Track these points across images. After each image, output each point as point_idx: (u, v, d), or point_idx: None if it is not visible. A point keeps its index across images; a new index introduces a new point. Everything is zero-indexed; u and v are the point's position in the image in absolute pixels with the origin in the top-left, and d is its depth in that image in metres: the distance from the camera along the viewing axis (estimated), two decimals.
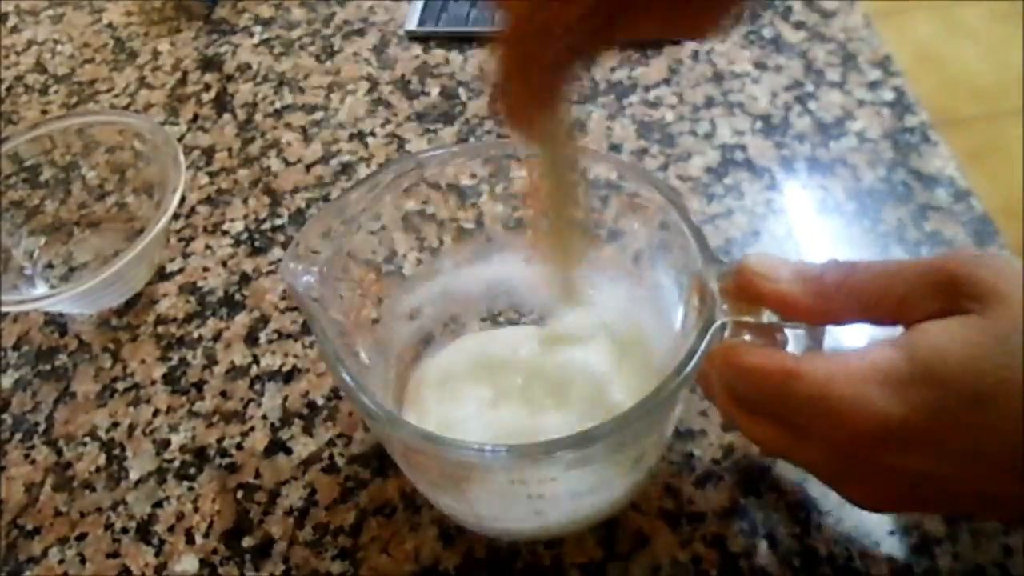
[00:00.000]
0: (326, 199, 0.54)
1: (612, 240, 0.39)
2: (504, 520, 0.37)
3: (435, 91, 0.60)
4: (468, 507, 0.35)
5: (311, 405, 0.44)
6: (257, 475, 0.42)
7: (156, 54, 0.66)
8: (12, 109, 0.63)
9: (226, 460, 0.43)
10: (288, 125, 0.59)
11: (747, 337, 0.33)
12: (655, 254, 0.37)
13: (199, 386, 0.46)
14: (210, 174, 0.57)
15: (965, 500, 0.30)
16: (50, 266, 0.52)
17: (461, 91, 0.60)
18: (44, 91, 0.64)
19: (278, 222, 0.53)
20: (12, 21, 0.71)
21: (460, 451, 0.29)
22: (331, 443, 0.43)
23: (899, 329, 0.30)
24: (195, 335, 0.48)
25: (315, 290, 0.32)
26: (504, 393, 0.39)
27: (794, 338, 0.33)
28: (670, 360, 0.32)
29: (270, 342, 0.47)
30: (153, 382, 0.46)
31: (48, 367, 0.48)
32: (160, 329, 0.49)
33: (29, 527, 0.42)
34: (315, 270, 0.33)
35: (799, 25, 0.61)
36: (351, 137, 0.58)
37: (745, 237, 0.49)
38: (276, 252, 0.51)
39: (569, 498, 0.35)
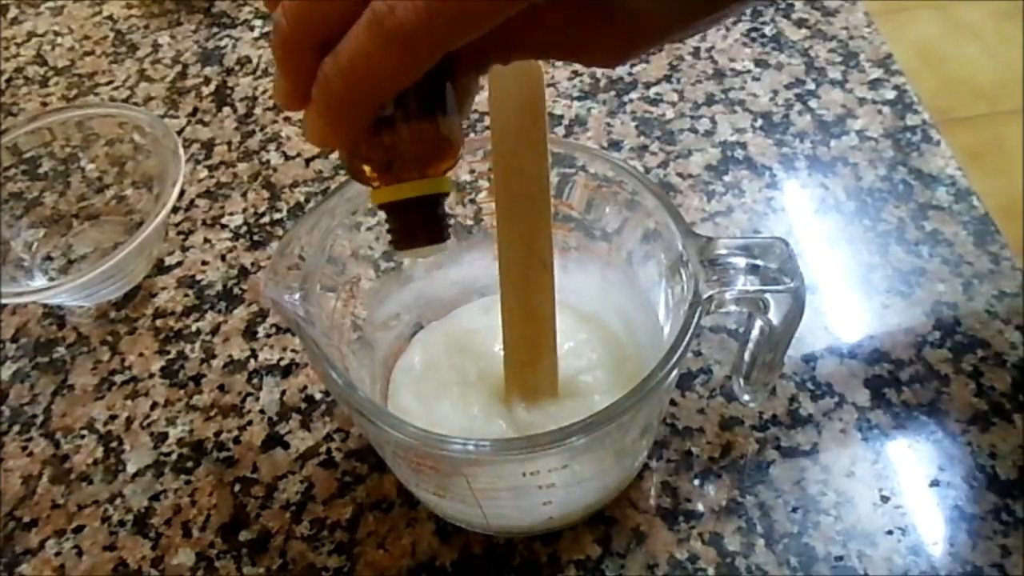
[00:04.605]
0: (325, 193, 0.54)
1: (580, 226, 0.39)
2: (513, 517, 0.37)
3: None
4: (477, 509, 0.35)
5: (309, 400, 0.44)
6: (254, 469, 0.42)
7: (156, 47, 0.66)
8: (12, 101, 0.63)
9: (223, 454, 0.43)
10: (288, 119, 0.59)
11: (732, 307, 0.32)
12: (628, 234, 0.37)
13: (197, 380, 0.46)
14: (209, 167, 0.57)
15: None
16: (49, 258, 0.52)
17: None
18: (44, 83, 0.64)
19: (277, 216, 0.53)
20: (12, 13, 0.71)
21: (470, 448, 0.29)
22: (328, 438, 0.43)
23: None
24: (193, 328, 0.48)
25: (299, 306, 0.32)
26: (481, 378, 0.39)
27: (775, 303, 0.33)
28: (651, 333, 0.32)
29: (268, 336, 0.47)
30: (151, 375, 0.46)
31: (46, 359, 0.48)
32: (158, 322, 0.49)
33: (26, 519, 0.41)
34: (296, 285, 0.32)
35: (801, 23, 0.61)
36: None
37: (745, 235, 0.49)
38: (275, 246, 0.51)
39: (577, 484, 0.35)
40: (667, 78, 0.58)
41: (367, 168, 0.27)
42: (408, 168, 0.27)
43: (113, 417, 0.45)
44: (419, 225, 0.28)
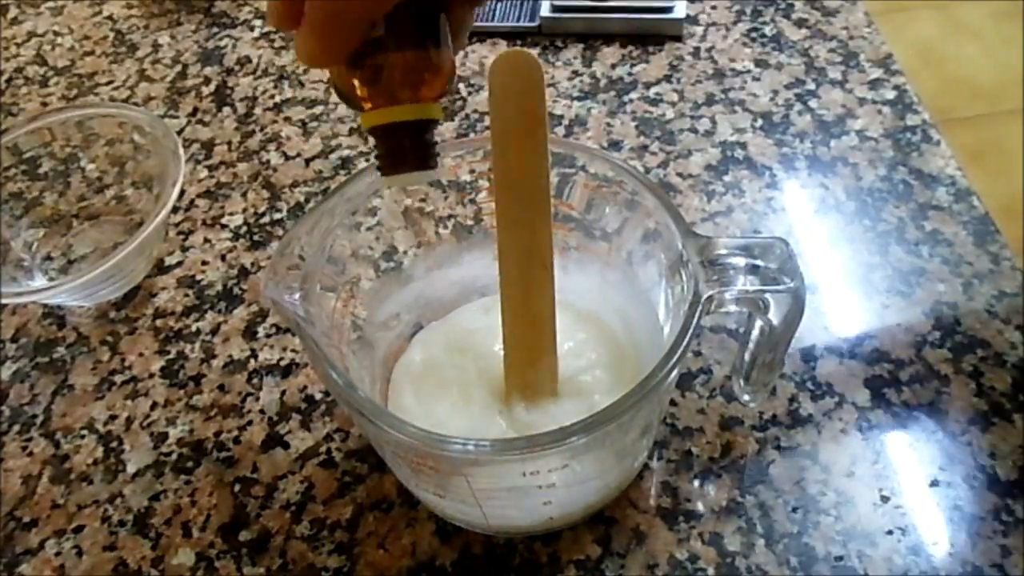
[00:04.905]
0: (325, 193, 0.54)
1: (580, 226, 0.39)
2: (513, 517, 0.37)
3: None
4: (477, 509, 0.35)
5: (309, 399, 0.44)
6: (254, 469, 0.42)
7: (156, 47, 0.66)
8: (12, 101, 0.63)
9: (223, 454, 0.43)
10: (288, 119, 0.59)
11: (732, 307, 0.32)
12: (628, 234, 0.37)
13: (197, 380, 0.46)
14: (209, 167, 0.56)
15: None
16: (49, 258, 0.52)
17: (460, 86, 0.59)
18: (44, 83, 0.64)
19: (277, 216, 0.53)
20: (12, 13, 0.71)
21: (470, 448, 0.29)
22: (328, 438, 0.43)
23: None
24: (193, 328, 0.48)
25: (299, 306, 0.32)
26: (481, 378, 0.39)
27: (775, 303, 0.33)
28: (651, 333, 0.31)
29: (268, 336, 0.47)
30: (151, 375, 0.46)
31: (46, 359, 0.48)
32: (158, 322, 0.49)
33: (26, 519, 0.41)
34: (296, 284, 0.32)
35: (801, 23, 0.61)
36: (351, 131, 0.58)
37: (745, 235, 0.49)
38: (275, 246, 0.51)
39: (577, 484, 0.35)
40: (667, 78, 0.58)
41: (357, 85, 0.27)
42: (399, 88, 0.27)
43: (113, 417, 0.45)
44: (407, 150, 0.28)
